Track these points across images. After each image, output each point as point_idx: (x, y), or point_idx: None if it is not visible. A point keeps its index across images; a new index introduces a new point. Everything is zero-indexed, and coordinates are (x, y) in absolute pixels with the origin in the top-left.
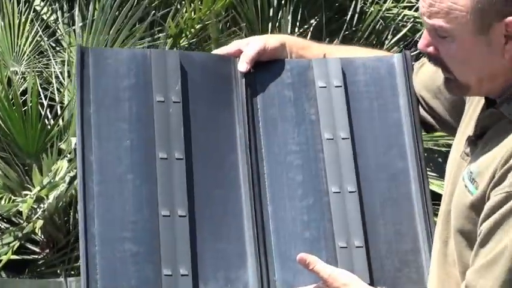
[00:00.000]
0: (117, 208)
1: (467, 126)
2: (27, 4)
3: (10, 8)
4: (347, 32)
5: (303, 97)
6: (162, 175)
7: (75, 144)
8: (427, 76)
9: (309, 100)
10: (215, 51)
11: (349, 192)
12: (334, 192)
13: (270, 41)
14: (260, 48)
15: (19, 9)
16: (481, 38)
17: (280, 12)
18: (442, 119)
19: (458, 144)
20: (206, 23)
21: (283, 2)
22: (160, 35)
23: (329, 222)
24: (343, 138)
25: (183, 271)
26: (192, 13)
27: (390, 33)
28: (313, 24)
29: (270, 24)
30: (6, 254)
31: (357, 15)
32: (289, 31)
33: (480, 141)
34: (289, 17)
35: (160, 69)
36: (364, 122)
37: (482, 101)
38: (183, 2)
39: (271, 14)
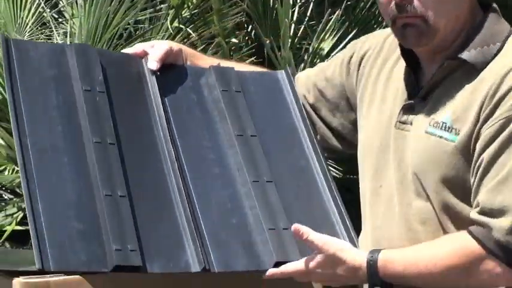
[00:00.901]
0: (58, 190)
1: (382, 104)
2: None
3: None
4: (349, 3)
5: (207, 100)
6: (98, 158)
7: None
8: (305, 78)
9: (213, 102)
10: (124, 51)
11: (267, 181)
12: (253, 182)
13: (173, 44)
14: (167, 49)
15: None
16: None
17: None
18: (329, 105)
19: (378, 122)
20: None
21: None
22: (162, 6)
23: (251, 208)
24: (251, 136)
25: (131, 247)
26: None
27: None
28: None
29: None
30: (10, 224)
31: None
32: (291, 1)
33: (427, 101)
34: None
35: (82, 61)
36: (263, 125)
37: (399, 75)
38: None
39: None
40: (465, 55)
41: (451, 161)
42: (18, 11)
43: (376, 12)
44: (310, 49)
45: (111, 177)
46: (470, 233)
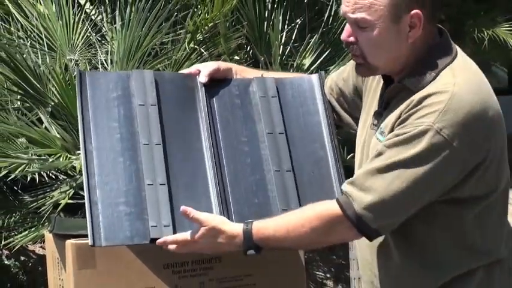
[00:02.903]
0: (113, 182)
1: (370, 106)
2: (79, 8)
3: (66, 11)
4: (324, 29)
5: (248, 104)
6: (145, 155)
7: None
8: (330, 80)
9: (252, 106)
10: (181, 71)
11: (286, 171)
12: (275, 171)
13: (222, 64)
14: (215, 68)
15: (73, 11)
16: (393, 27)
17: (273, 13)
18: (348, 100)
19: (365, 121)
20: (216, 22)
21: (275, 5)
22: (181, 31)
23: (272, 192)
24: (279, 133)
25: (165, 223)
26: (206, 14)
27: None
28: (299, 23)
29: (265, 23)
30: (64, 199)
31: (332, 16)
32: (280, 28)
33: (385, 111)
34: (280, 17)
35: (140, 82)
36: (293, 122)
37: (381, 84)
38: (199, 6)
39: (266, 15)
40: (406, 81)
41: None
42: (71, 34)
43: None
44: (295, 64)
45: (153, 170)
46: (337, 200)
